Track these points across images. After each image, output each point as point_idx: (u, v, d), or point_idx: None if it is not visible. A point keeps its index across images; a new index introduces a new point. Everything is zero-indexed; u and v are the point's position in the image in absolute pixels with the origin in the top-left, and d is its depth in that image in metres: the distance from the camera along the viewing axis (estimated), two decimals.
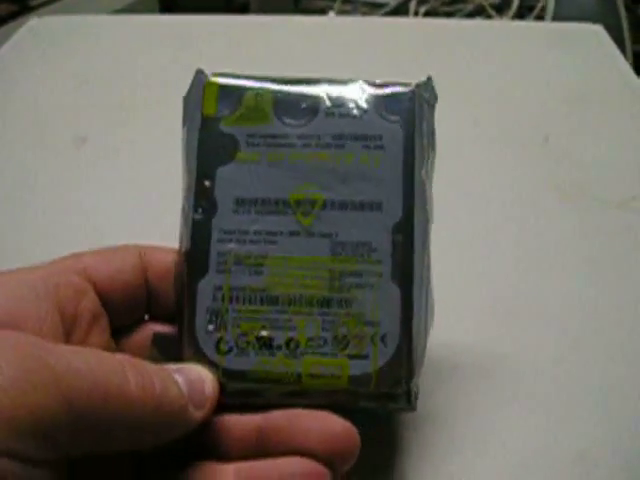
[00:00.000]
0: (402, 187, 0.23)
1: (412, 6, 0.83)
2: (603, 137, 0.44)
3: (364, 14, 0.85)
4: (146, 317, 0.25)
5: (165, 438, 0.20)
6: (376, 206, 0.23)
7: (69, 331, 0.21)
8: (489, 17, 0.82)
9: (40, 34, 0.58)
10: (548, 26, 0.66)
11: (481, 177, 0.40)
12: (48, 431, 0.17)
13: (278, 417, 0.22)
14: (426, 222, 0.24)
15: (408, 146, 0.24)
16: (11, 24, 1.15)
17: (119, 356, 0.20)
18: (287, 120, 0.24)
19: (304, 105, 0.24)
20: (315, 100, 0.24)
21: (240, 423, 0.22)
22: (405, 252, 0.23)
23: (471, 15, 0.82)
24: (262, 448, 0.21)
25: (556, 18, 0.73)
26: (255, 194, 0.24)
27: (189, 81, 0.25)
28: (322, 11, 0.88)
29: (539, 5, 0.78)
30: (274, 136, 0.24)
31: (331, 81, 0.25)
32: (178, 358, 0.23)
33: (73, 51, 0.55)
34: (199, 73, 0.25)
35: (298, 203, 0.23)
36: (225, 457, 0.22)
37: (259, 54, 0.53)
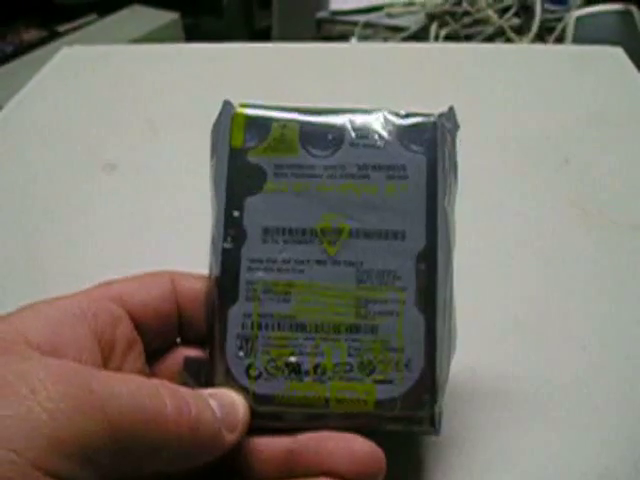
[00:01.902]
0: (425, 216, 0.24)
1: (433, 29, 0.84)
2: (623, 158, 0.44)
3: (385, 38, 0.86)
4: (178, 341, 0.25)
5: (199, 461, 0.21)
6: (400, 235, 0.24)
7: (106, 358, 0.22)
8: (509, 39, 0.82)
9: (71, 63, 0.60)
10: (568, 49, 0.66)
11: (502, 198, 0.41)
12: (92, 454, 0.17)
13: (306, 439, 0.22)
14: (449, 250, 0.24)
15: (431, 176, 0.24)
16: (41, 49, 1.18)
17: (156, 381, 0.20)
18: (313, 151, 0.25)
19: (330, 136, 0.25)
20: (340, 131, 0.25)
21: (270, 445, 0.23)
22: (428, 280, 0.24)
23: (491, 37, 0.83)
24: (291, 470, 0.22)
25: (576, 40, 0.74)
26: (283, 224, 0.24)
27: (214, 109, 0.26)
28: (344, 36, 0.89)
29: (559, 27, 0.78)
30: (301, 167, 0.25)
31: (355, 111, 0.25)
32: (209, 382, 0.24)
33: (103, 80, 0.57)
34: (227, 104, 0.26)
35: (324, 232, 0.24)
36: (255, 478, 0.22)
37: (282, 81, 0.54)
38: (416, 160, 0.24)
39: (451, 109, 0.25)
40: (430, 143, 0.25)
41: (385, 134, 0.25)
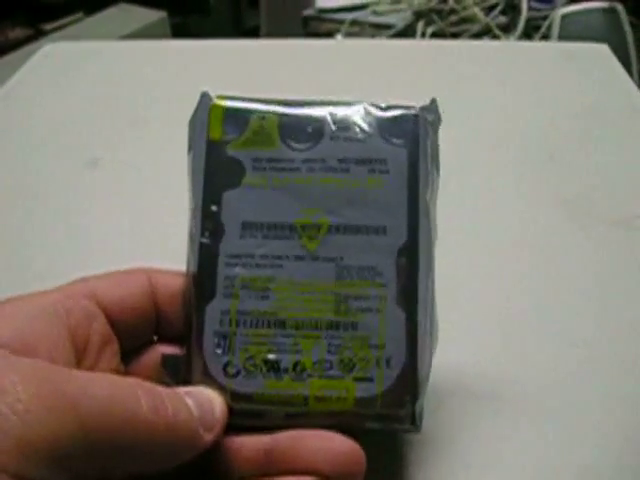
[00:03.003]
0: (407, 211, 0.24)
1: (419, 27, 0.84)
2: (608, 155, 0.44)
3: (372, 36, 0.86)
4: (154, 338, 0.25)
5: (176, 461, 0.20)
6: (381, 230, 0.23)
7: (80, 356, 0.22)
8: (496, 37, 0.82)
9: (54, 59, 0.60)
10: (554, 46, 0.66)
11: (486, 195, 0.40)
12: (63, 457, 0.17)
13: (285, 438, 0.22)
14: (430, 245, 0.24)
15: (412, 170, 0.24)
16: (26, 48, 1.17)
17: (131, 380, 0.20)
18: (292, 144, 0.24)
19: (309, 129, 0.24)
20: (320, 124, 0.24)
21: (248, 444, 0.22)
22: (410, 276, 0.23)
23: (478, 35, 0.83)
24: (270, 468, 0.22)
25: (562, 37, 0.74)
26: (261, 218, 0.24)
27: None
28: (330, 34, 0.89)
29: (545, 25, 0.78)
30: (280, 160, 0.24)
31: (335, 103, 0.25)
32: (186, 380, 0.23)
33: (86, 76, 0.56)
34: (204, 96, 0.25)
35: (304, 227, 0.24)
36: (233, 478, 0.22)
37: (268, 78, 0.54)
38: (397, 153, 0.24)
39: (433, 101, 0.25)
40: (411, 136, 0.24)
41: (366, 127, 0.24)
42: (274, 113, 0.25)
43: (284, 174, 0.24)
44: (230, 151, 0.24)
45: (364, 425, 0.23)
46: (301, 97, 0.26)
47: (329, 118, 0.25)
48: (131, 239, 0.38)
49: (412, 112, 0.25)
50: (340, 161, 0.24)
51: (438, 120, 0.25)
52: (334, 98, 0.25)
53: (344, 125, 0.24)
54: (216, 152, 0.24)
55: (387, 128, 0.24)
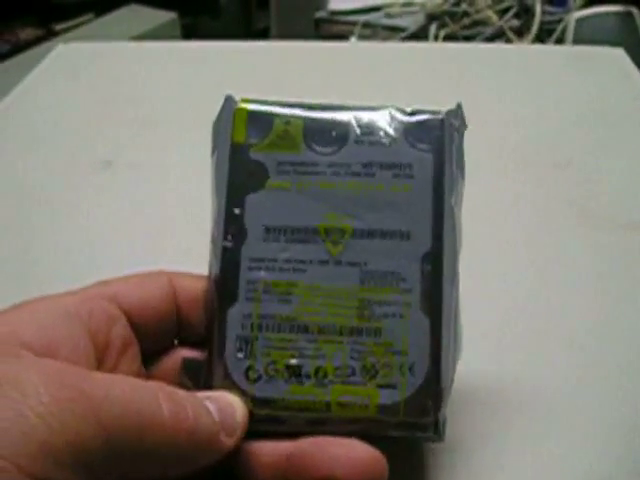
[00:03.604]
0: (432, 216, 0.23)
1: (432, 30, 0.84)
2: (624, 160, 0.44)
3: (384, 38, 0.86)
4: (175, 342, 0.25)
5: (196, 465, 0.20)
6: (405, 235, 0.23)
7: (101, 358, 0.22)
8: (509, 40, 0.82)
9: (67, 60, 0.60)
10: (570, 49, 0.66)
11: (501, 199, 0.40)
12: (85, 460, 0.17)
13: (307, 444, 0.22)
14: (455, 251, 0.23)
15: (438, 175, 0.24)
16: (37, 48, 1.18)
17: (152, 384, 0.20)
18: (317, 148, 0.24)
19: (334, 133, 0.24)
20: (345, 127, 0.24)
21: (269, 450, 0.22)
22: (434, 282, 0.23)
23: (491, 39, 0.82)
24: (290, 475, 0.21)
25: (576, 42, 0.73)
26: (284, 222, 0.24)
27: (211, 106, 0.25)
28: (342, 36, 0.89)
29: (559, 28, 0.78)
30: (304, 164, 0.24)
31: (360, 107, 0.25)
32: (207, 384, 0.23)
33: (99, 77, 0.56)
34: (228, 99, 0.25)
35: (327, 232, 0.24)
36: None
37: (281, 79, 0.54)
38: (422, 159, 0.24)
39: (459, 106, 0.25)
40: (437, 141, 0.24)
41: (391, 131, 0.24)
42: (299, 117, 0.25)
43: (308, 178, 0.24)
44: (253, 154, 0.24)
45: (387, 433, 0.23)
46: (318, 100, 0.25)
47: (354, 122, 0.24)
48: (150, 243, 0.38)
49: (438, 117, 0.24)
50: (365, 165, 0.24)
51: (463, 125, 0.25)
52: (350, 101, 0.25)
53: (369, 130, 0.24)
54: (239, 155, 0.24)
55: (412, 133, 0.24)
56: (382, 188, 0.24)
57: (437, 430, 0.23)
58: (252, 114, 0.25)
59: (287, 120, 0.24)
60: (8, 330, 0.20)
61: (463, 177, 0.24)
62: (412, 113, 0.24)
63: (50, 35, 1.29)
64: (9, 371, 0.17)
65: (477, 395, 0.28)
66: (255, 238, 0.24)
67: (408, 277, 0.23)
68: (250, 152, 0.24)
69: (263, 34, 1.49)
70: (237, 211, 0.24)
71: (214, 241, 0.24)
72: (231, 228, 0.24)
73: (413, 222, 0.23)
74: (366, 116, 0.24)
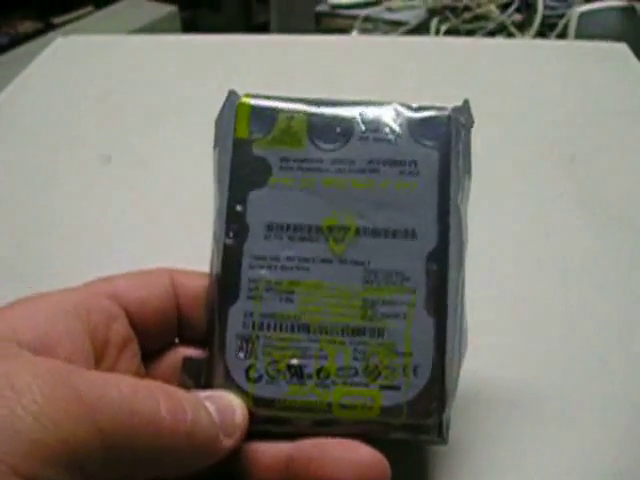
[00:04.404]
0: (437, 214, 0.23)
1: (433, 25, 0.83)
2: (628, 155, 0.43)
3: (385, 32, 0.85)
4: (176, 340, 0.25)
5: (195, 466, 0.20)
6: (410, 234, 0.23)
7: (100, 356, 0.21)
8: (510, 35, 0.82)
9: (66, 53, 0.59)
10: (573, 44, 0.65)
11: (506, 196, 0.40)
12: (80, 461, 0.16)
13: (308, 446, 0.21)
14: (461, 250, 0.23)
15: (444, 172, 0.23)
16: (36, 41, 1.17)
17: (150, 383, 0.19)
18: (320, 144, 0.24)
19: (338, 129, 0.24)
20: (349, 123, 0.24)
21: (270, 451, 0.22)
22: (439, 281, 0.22)
23: (492, 33, 0.82)
24: (291, 477, 0.21)
25: (578, 36, 0.73)
26: (287, 220, 0.23)
27: (211, 100, 0.25)
28: (343, 30, 0.88)
29: (562, 23, 0.77)
30: (307, 160, 0.24)
31: (364, 103, 0.24)
32: (208, 384, 0.23)
33: (98, 70, 0.56)
34: (232, 94, 0.25)
35: (331, 230, 0.23)
36: None
37: (281, 74, 0.53)
38: (428, 155, 0.23)
39: (466, 102, 0.24)
40: (443, 138, 0.23)
41: (396, 128, 0.24)
42: (302, 112, 0.24)
43: (312, 174, 0.23)
44: (256, 150, 0.24)
45: (390, 435, 0.22)
46: (316, 94, 0.25)
47: (358, 118, 0.24)
48: (150, 239, 0.37)
49: (444, 113, 0.24)
50: (369, 162, 0.23)
51: (470, 122, 0.24)
52: (351, 96, 0.25)
53: (374, 125, 0.24)
54: (242, 151, 0.24)
55: (418, 129, 0.24)
56: (387, 185, 0.23)
57: (441, 432, 0.22)
58: (255, 109, 0.24)
59: (291, 115, 0.24)
60: (5, 327, 0.19)
61: (470, 174, 0.24)
62: (418, 109, 0.24)
63: (49, 28, 1.28)
64: (3, 369, 0.17)
65: (479, 396, 0.28)
66: (257, 235, 0.23)
67: (412, 276, 0.23)
68: (253, 148, 0.24)
69: (263, 28, 1.48)
70: (239, 208, 0.23)
71: (216, 238, 0.24)
72: (233, 225, 0.23)
73: (418, 220, 0.23)
74: (371, 112, 0.24)
